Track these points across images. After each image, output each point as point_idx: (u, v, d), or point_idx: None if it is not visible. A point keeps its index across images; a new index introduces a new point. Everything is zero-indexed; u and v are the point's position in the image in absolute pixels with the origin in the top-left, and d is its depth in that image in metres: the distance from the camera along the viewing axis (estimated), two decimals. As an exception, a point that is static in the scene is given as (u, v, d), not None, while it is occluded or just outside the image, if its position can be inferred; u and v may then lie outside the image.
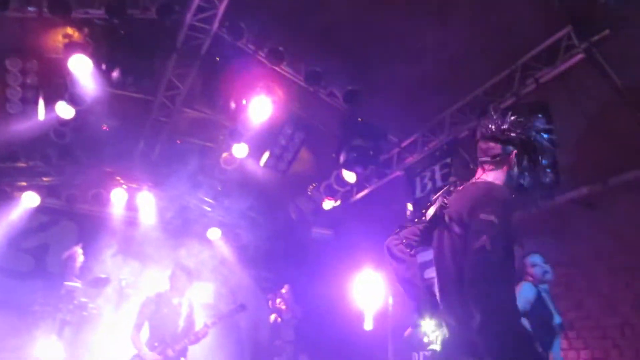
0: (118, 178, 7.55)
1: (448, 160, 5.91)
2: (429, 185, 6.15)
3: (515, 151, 2.35)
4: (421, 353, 5.66)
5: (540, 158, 2.42)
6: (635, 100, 4.62)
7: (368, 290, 7.48)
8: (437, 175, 6.04)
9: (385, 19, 4.99)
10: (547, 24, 4.63)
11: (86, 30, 5.24)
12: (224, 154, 7.00)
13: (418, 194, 6.31)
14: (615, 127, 4.88)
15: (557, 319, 4.07)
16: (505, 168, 2.37)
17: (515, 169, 2.36)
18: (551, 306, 4.16)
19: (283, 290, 7.49)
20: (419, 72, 5.55)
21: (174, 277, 5.45)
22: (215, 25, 5.25)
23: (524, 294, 3.99)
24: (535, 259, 4.33)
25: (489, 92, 5.35)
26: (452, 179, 5.81)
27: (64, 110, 5.79)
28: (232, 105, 6.10)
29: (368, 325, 7.90)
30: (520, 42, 4.88)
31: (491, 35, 4.91)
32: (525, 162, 2.38)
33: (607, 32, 4.24)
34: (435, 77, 5.52)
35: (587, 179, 5.06)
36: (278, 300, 7.42)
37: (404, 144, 6.48)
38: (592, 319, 5.39)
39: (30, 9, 4.81)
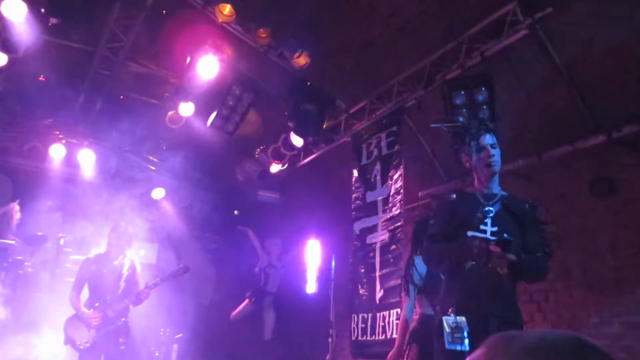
0: (57, 132, 7.24)
1: (394, 128, 6.00)
2: (375, 153, 6.24)
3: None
4: (360, 315, 5.85)
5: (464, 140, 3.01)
6: (572, 77, 4.81)
7: (312, 253, 7.60)
8: (383, 143, 6.14)
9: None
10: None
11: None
12: (170, 112, 6.82)
13: (364, 160, 6.40)
14: (552, 103, 5.08)
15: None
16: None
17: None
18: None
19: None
20: (370, 38, 5.56)
21: (113, 236, 5.35)
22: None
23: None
24: None
25: (435, 63, 5.42)
26: (397, 147, 5.92)
27: (-3, 58, 5.45)
28: (180, 62, 5.94)
29: (311, 288, 8.07)
30: (469, 14, 4.95)
31: (442, 5, 4.96)
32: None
33: (550, 9, 4.36)
34: (386, 44, 5.55)
35: (524, 151, 5.26)
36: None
37: (352, 111, 6.51)
38: (520, 284, 5.69)
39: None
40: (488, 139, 2.93)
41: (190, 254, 8.09)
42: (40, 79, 6.23)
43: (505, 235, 2.66)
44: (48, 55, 5.74)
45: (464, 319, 2.59)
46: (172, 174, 8.04)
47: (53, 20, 4.97)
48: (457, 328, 2.57)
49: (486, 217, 2.75)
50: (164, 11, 5.54)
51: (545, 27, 4.56)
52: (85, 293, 5.26)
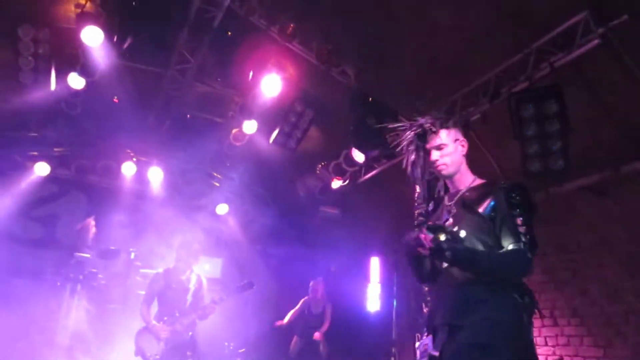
0: (128, 151, 7.59)
1: (458, 143, 5.85)
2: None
3: None
4: (424, 335, 5.71)
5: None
6: (652, 87, 4.55)
7: (373, 271, 7.53)
8: (447, 158, 5.99)
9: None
10: (564, 7, 4.54)
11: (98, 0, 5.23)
12: (234, 130, 7.00)
13: (427, 175, 6.28)
14: (629, 114, 4.82)
15: None
16: None
17: None
18: None
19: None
20: (433, 52, 5.49)
21: (181, 252, 5.50)
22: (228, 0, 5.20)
23: None
24: None
25: (501, 75, 5.27)
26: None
27: (76, 81, 5.79)
28: (243, 81, 6.11)
29: (373, 306, 7.97)
30: (535, 25, 4.79)
31: (507, 17, 4.83)
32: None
33: (625, 17, 4.15)
34: (449, 58, 5.46)
35: (599, 165, 5.00)
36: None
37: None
38: (597, 306, 5.39)
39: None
40: (432, 141, 2.60)
41: (253, 269, 8.21)
42: (114, 100, 6.56)
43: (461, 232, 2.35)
44: (121, 78, 6.05)
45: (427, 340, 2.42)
46: (235, 190, 8.23)
47: (126, 46, 5.24)
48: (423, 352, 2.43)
49: (446, 221, 2.47)
50: (229, 32, 5.71)
51: (620, 35, 4.34)
52: (155, 306, 5.43)
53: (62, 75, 5.80)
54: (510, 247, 2.30)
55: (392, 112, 6.21)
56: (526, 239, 2.29)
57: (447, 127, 2.59)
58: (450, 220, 2.46)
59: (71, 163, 7.65)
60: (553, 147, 4.75)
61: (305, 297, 7.63)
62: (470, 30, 5.09)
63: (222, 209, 8.33)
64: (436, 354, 2.33)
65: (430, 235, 2.26)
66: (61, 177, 7.63)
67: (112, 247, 6.72)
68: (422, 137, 2.62)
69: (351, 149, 6.55)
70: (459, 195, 2.54)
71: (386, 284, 7.29)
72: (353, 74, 5.81)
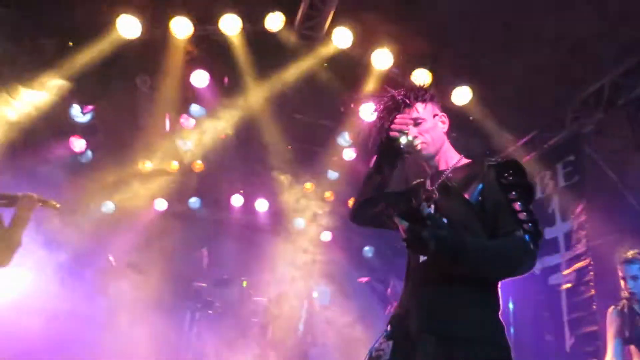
0: (236, 184, 7.97)
1: (571, 158, 5.50)
2: (551, 185, 5.76)
3: None
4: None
5: None
6: None
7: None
8: (560, 174, 5.65)
9: (495, 9, 4.76)
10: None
11: (204, 45, 5.61)
12: (334, 158, 7.10)
13: (538, 194, 5.94)
14: None
15: None
16: None
17: None
18: None
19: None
20: (536, 64, 5.23)
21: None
22: (323, 31, 5.34)
23: None
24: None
25: (616, 82, 4.89)
26: (576, 178, 5.41)
27: (188, 122, 6.24)
28: (341, 110, 6.23)
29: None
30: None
31: (617, 22, 4.49)
32: None
33: None
34: (555, 69, 5.17)
35: None
36: None
37: (520, 142, 6.13)
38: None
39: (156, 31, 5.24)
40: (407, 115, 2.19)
41: (360, 296, 8.14)
42: (222, 136, 6.95)
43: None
44: (228, 115, 6.40)
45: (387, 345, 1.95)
46: (338, 218, 8.30)
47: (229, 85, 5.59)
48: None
49: (428, 206, 2.01)
50: (325, 64, 5.85)
51: None
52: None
53: (175, 117, 6.29)
54: (508, 237, 1.87)
55: (495, 130, 5.99)
56: (528, 226, 1.86)
57: (423, 100, 2.20)
58: (432, 207, 2.04)
59: (186, 198, 8.16)
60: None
61: None
62: (576, 38, 4.79)
63: (326, 235, 8.44)
64: None
65: (404, 224, 1.76)
66: (177, 212, 8.15)
67: (225, 277, 7.04)
68: (394, 112, 2.21)
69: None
70: (441, 177, 2.12)
71: (502, 310, 6.91)
72: (452, 94, 5.68)
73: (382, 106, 2.25)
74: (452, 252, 1.77)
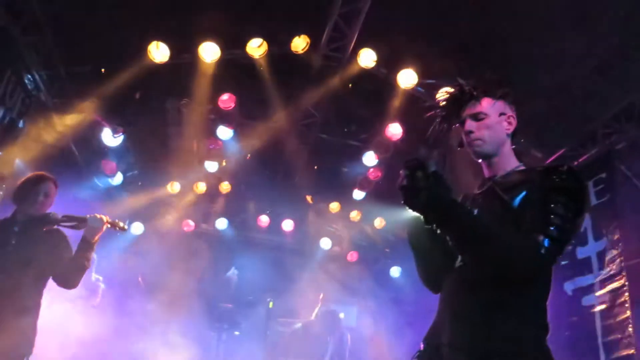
0: (263, 204, 8.02)
1: (603, 175, 5.38)
2: (582, 203, 5.63)
3: None
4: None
5: None
6: None
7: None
8: (592, 192, 5.53)
9: (520, 29, 4.75)
10: None
11: (232, 69, 5.72)
12: (359, 177, 7.10)
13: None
14: None
15: None
16: None
17: None
18: None
19: None
20: (564, 80, 5.18)
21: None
22: (348, 53, 5.39)
23: None
24: None
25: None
26: (608, 196, 5.28)
27: (215, 144, 6.37)
28: (368, 129, 6.27)
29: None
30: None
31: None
32: None
33: None
34: (583, 85, 5.11)
35: None
36: None
37: (549, 160, 6.03)
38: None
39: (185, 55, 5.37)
40: (469, 108, 2.04)
41: (389, 318, 8.04)
42: (248, 158, 7.03)
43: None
44: (254, 136, 6.49)
45: None
46: (364, 237, 8.26)
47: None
48: None
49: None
50: (350, 85, 5.89)
51: None
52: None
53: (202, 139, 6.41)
54: (524, 233, 1.70)
55: (523, 148, 5.90)
56: (552, 232, 1.66)
57: (492, 96, 2.03)
58: (474, 212, 1.89)
59: (213, 219, 8.24)
60: None
61: None
62: (603, 54, 4.74)
63: (352, 256, 8.41)
64: None
65: (405, 172, 1.67)
66: (206, 232, 8.23)
67: (251, 297, 7.05)
68: (458, 103, 2.07)
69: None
70: (491, 181, 1.98)
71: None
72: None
73: (448, 94, 2.12)
74: (443, 213, 1.66)
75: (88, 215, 3.41)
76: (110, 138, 5.94)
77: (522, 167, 2.02)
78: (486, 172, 2.06)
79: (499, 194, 1.87)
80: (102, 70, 5.41)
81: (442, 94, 2.16)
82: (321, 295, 6.08)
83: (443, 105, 2.14)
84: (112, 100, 5.51)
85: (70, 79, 5.46)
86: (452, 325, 1.79)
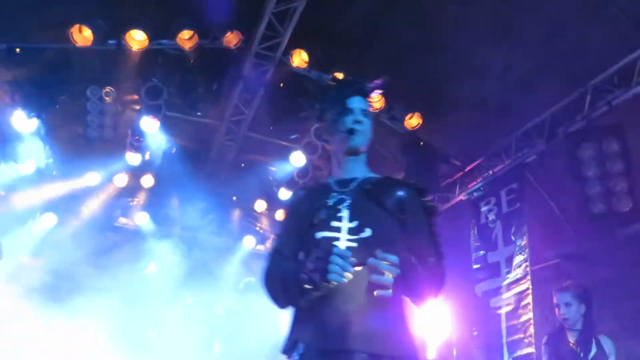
0: (184, 201, 7.84)
1: (514, 185, 5.75)
2: (495, 211, 5.99)
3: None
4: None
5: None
6: None
7: (432, 319, 7.30)
8: (503, 201, 5.88)
9: (449, 41, 4.97)
10: (619, 44, 4.46)
11: (159, 59, 5.55)
12: (286, 177, 7.12)
13: (482, 219, 6.15)
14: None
15: None
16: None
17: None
18: None
19: None
20: (484, 95, 5.47)
21: None
22: (280, 53, 5.39)
23: None
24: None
25: (557, 115, 5.18)
26: (518, 205, 5.64)
27: (139, 136, 6.15)
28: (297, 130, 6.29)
29: (431, 353, 7.69)
30: (589, 64, 4.71)
31: (559, 57, 4.78)
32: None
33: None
34: (502, 100, 5.42)
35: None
36: None
37: (467, 169, 6.35)
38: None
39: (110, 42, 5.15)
40: (357, 102, 2.06)
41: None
42: (172, 151, 6.84)
43: (366, 230, 1.81)
44: (180, 130, 6.34)
45: None
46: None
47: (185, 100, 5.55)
48: None
49: (339, 210, 1.87)
50: (281, 84, 5.90)
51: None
52: None
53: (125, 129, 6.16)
54: (432, 259, 1.87)
55: (444, 156, 6.18)
56: (441, 253, 1.93)
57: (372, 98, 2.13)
58: (346, 212, 1.87)
59: (131, 212, 7.95)
60: (617, 187, 4.58)
61: None
62: (522, 72, 5.05)
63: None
64: None
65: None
66: (125, 226, 7.93)
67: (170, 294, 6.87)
68: (344, 95, 2.08)
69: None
70: (357, 180, 1.98)
71: (444, 331, 7.05)
72: (403, 119, 5.84)
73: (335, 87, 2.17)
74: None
75: None
76: (23, 122, 5.55)
77: (377, 175, 2.11)
78: (340, 171, 2.11)
79: (379, 199, 1.96)
80: (17, 50, 5.07)
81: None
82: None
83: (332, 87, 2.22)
84: (27, 82, 5.18)
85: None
86: (353, 330, 1.82)
